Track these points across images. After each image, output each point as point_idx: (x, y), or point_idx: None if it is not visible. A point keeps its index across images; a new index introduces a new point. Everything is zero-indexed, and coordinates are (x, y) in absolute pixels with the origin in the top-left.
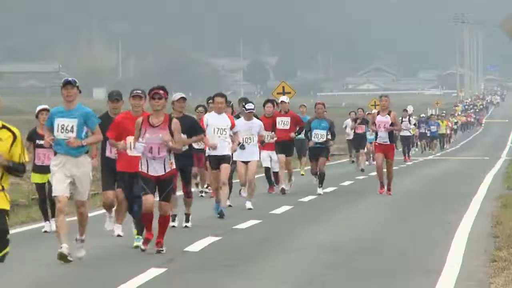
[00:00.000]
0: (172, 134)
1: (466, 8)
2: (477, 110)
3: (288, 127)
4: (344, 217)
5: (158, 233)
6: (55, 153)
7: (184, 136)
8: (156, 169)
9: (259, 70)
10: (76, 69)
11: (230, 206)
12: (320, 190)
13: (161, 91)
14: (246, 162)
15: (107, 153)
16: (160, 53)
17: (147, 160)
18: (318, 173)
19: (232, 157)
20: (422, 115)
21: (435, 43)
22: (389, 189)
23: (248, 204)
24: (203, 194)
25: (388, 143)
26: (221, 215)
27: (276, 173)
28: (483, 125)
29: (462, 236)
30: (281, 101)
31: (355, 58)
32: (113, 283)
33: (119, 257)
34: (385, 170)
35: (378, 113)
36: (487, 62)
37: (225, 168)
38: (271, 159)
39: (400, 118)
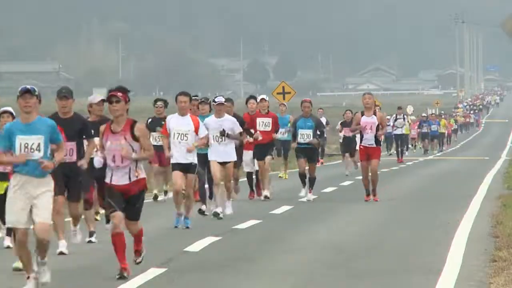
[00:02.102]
0: (137, 140)
1: (466, 8)
2: (476, 110)
3: (270, 128)
4: (344, 217)
5: (134, 242)
6: (13, 172)
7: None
8: (120, 179)
9: (259, 70)
10: (76, 69)
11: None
12: (310, 196)
13: (119, 93)
14: (222, 163)
15: None
16: (160, 53)
17: (111, 170)
18: (308, 177)
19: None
20: (424, 114)
21: (435, 43)
22: (374, 194)
23: (227, 211)
24: (165, 198)
25: (374, 145)
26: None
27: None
28: (482, 125)
29: (462, 236)
30: (261, 99)
31: (355, 58)
32: (113, 283)
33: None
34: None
35: (362, 114)
36: (487, 62)
37: (189, 179)
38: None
39: (394, 115)
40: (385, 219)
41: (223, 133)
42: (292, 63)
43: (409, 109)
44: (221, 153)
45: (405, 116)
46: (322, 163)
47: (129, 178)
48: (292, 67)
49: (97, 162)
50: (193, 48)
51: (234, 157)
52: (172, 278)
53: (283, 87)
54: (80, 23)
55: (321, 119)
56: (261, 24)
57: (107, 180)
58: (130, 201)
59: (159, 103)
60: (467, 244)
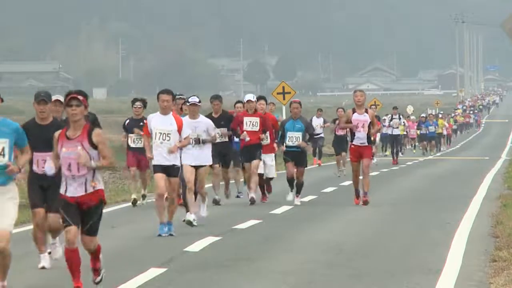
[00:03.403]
0: (95, 148)
1: (466, 8)
2: (476, 111)
3: (257, 128)
4: (344, 217)
5: (91, 260)
6: None
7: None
8: (75, 190)
9: (259, 70)
10: (76, 69)
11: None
12: (297, 201)
13: (79, 96)
14: (195, 167)
15: (34, 168)
16: (160, 53)
17: (66, 180)
18: (295, 182)
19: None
20: (423, 114)
21: (435, 43)
22: (365, 196)
23: (202, 213)
24: (144, 202)
25: (366, 144)
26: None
27: (270, 179)
28: (482, 125)
29: (462, 236)
30: (247, 100)
31: (355, 58)
32: (113, 283)
33: (119, 257)
34: (361, 177)
35: (353, 111)
36: (487, 62)
37: (173, 183)
38: (265, 163)
39: (390, 115)
40: (385, 219)
41: (198, 141)
42: (292, 63)
43: (409, 109)
44: (196, 156)
45: (401, 116)
46: (319, 164)
47: (85, 189)
48: (292, 67)
49: (49, 170)
50: (193, 48)
51: (209, 161)
52: (172, 278)
53: (283, 87)
54: (80, 23)
55: (319, 119)
56: (261, 24)
57: (62, 191)
58: (86, 215)
59: (137, 103)
60: (467, 244)
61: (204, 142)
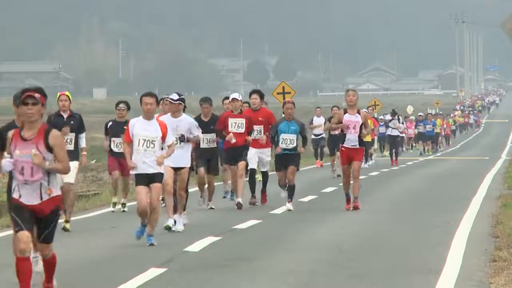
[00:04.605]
0: (50, 150)
1: (466, 8)
2: (475, 111)
3: (243, 130)
4: (344, 217)
5: (45, 277)
6: None
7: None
8: (30, 197)
9: (259, 70)
10: (76, 69)
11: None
12: (289, 205)
13: (36, 94)
14: (175, 169)
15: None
16: (160, 53)
17: (18, 185)
18: (287, 185)
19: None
20: (420, 113)
21: (435, 43)
22: (355, 201)
23: (178, 226)
24: (124, 209)
25: (358, 146)
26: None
27: (265, 183)
28: (482, 125)
29: (462, 236)
30: (233, 99)
31: (355, 58)
32: (113, 283)
33: (119, 257)
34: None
35: (345, 111)
36: (487, 62)
37: (156, 189)
38: (260, 161)
39: (390, 118)
40: (385, 219)
41: (182, 139)
42: (292, 63)
43: (409, 109)
44: (176, 157)
45: (399, 117)
46: (321, 165)
47: (41, 196)
48: (292, 67)
49: (7, 166)
50: (193, 48)
51: (188, 162)
52: (172, 278)
53: (283, 87)
54: (80, 23)
55: (319, 118)
56: (261, 24)
57: (15, 195)
58: (42, 223)
59: (121, 105)
60: (467, 244)
61: (188, 140)
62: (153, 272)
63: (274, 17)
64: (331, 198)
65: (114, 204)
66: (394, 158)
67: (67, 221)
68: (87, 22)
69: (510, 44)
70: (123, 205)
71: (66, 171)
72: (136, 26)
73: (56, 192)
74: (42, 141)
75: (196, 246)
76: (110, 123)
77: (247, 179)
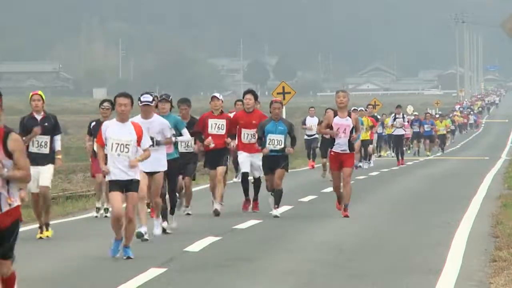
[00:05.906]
0: (10, 156)
1: (466, 8)
2: (475, 111)
3: (224, 131)
4: (344, 217)
5: None
6: None
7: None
8: None
9: (259, 70)
10: (76, 69)
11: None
12: (275, 212)
13: None
14: (150, 173)
15: None
16: (160, 53)
17: None
18: (274, 189)
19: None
20: (415, 112)
21: (435, 43)
22: (345, 209)
23: (156, 230)
24: (107, 215)
25: (348, 151)
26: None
27: (258, 185)
28: (482, 125)
29: (462, 236)
30: (212, 97)
31: (355, 58)
32: (113, 283)
33: (119, 257)
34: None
35: (335, 114)
36: (487, 62)
37: (131, 199)
38: (252, 165)
39: (393, 115)
40: (385, 219)
41: (152, 143)
42: (292, 63)
43: (409, 109)
44: (150, 161)
45: (404, 116)
46: (313, 166)
47: (0, 207)
48: (292, 67)
49: None
50: (193, 48)
51: (164, 166)
52: (172, 278)
53: (283, 87)
54: (80, 23)
55: (312, 119)
56: (261, 24)
57: None
58: (1, 236)
59: (105, 104)
60: (467, 244)
61: (158, 144)
62: (153, 272)
63: (274, 17)
64: (331, 198)
65: (98, 209)
66: (400, 158)
67: (47, 225)
68: (87, 22)
69: (510, 44)
70: (106, 210)
71: (26, 179)
72: (136, 26)
73: (16, 202)
74: (0, 145)
75: (196, 246)
76: (94, 123)
77: (233, 181)
